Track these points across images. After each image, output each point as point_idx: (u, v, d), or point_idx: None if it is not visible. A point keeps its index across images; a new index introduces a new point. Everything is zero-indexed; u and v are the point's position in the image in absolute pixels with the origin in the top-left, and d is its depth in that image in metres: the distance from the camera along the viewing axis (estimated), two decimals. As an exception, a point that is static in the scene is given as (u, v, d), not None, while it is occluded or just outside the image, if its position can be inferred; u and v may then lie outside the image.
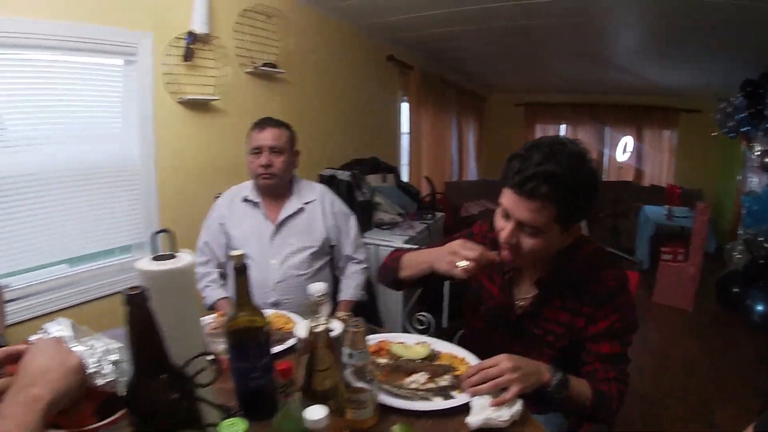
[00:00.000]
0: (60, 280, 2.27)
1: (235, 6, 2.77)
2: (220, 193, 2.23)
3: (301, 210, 2.09)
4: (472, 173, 7.28)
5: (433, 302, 2.72)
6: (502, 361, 1.09)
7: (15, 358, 0.80)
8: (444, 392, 1.10)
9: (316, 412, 0.75)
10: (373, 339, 1.33)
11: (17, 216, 2.08)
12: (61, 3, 2.07)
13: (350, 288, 2.12)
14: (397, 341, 1.34)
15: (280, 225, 2.07)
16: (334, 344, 0.93)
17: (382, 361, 1.21)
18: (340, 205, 2.21)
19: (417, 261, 1.39)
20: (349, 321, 0.95)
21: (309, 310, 0.89)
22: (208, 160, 2.73)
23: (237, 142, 2.76)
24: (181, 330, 0.83)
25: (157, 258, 0.85)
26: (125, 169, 2.43)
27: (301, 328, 1.03)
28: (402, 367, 1.19)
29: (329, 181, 2.84)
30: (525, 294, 1.34)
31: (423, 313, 2.41)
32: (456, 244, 1.20)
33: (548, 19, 3.43)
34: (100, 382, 0.83)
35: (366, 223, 2.99)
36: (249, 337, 0.96)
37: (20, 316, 2.06)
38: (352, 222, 2.21)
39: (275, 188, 2.08)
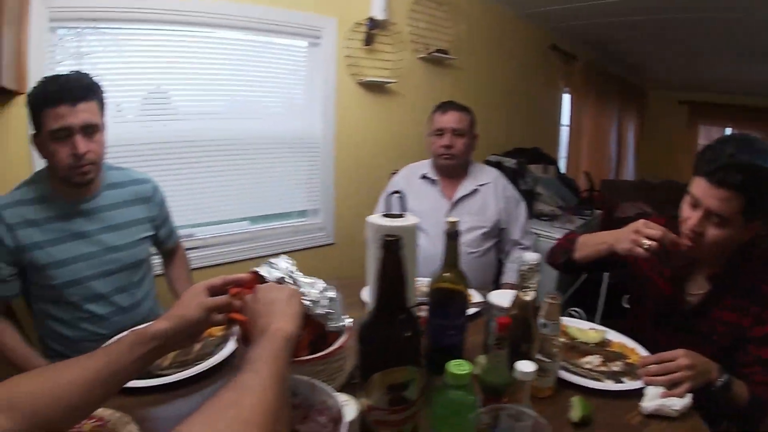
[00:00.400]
0: (241, 235, 2.59)
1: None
2: (396, 170, 2.37)
3: (475, 191, 2.17)
4: (629, 172, 6.84)
5: (588, 298, 2.66)
6: (681, 357, 1.09)
7: (238, 283, 0.94)
8: (615, 377, 1.13)
9: (527, 366, 0.82)
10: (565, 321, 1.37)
11: (208, 175, 2.41)
12: None
13: (514, 271, 2.16)
14: (571, 325, 1.37)
15: (456, 203, 2.16)
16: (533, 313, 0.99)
17: (560, 339, 1.25)
18: (512, 190, 2.25)
19: (595, 242, 1.41)
20: (547, 293, 1.01)
21: (519, 278, 0.96)
22: (382, 138, 2.91)
23: (409, 123, 2.91)
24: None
25: (387, 216, 0.98)
26: (307, 141, 2.69)
27: (497, 295, 1.11)
28: (577, 348, 1.23)
29: (495, 167, 2.89)
30: (696, 290, 1.31)
31: (576, 309, 2.38)
32: (639, 223, 1.22)
33: (718, 13, 3.15)
34: (320, 312, 0.97)
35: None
36: (450, 298, 1.04)
37: (202, 263, 2.36)
38: (522, 208, 2.24)
39: (454, 169, 2.18)
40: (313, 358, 0.96)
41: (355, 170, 2.84)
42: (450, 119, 2.10)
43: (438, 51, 3.00)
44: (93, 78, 1.43)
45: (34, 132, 1.39)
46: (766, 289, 1.19)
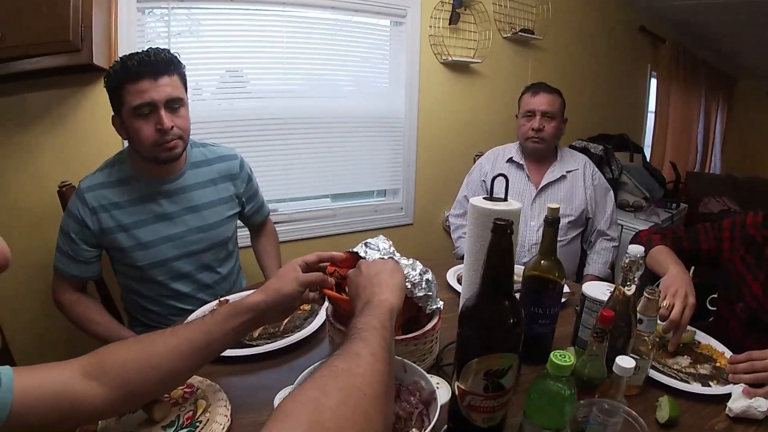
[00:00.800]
0: (323, 211, 2.66)
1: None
2: (481, 152, 2.36)
3: (563, 177, 2.13)
4: (715, 165, 6.44)
5: None
6: None
7: (333, 261, 0.99)
8: (703, 379, 1.09)
9: (626, 362, 0.80)
10: None
11: (293, 153, 2.48)
12: None
13: (598, 263, 2.11)
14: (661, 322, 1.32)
15: (543, 189, 2.13)
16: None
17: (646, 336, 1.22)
18: (600, 178, 2.20)
19: (659, 265, 1.35)
20: (647, 288, 0.98)
21: (622, 271, 0.94)
22: (465, 119, 2.89)
23: (493, 104, 2.87)
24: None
25: (489, 199, 0.97)
26: (390, 121, 2.70)
27: (590, 287, 1.09)
28: (666, 347, 1.19)
29: (581, 152, 2.79)
30: None
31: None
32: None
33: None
34: (419, 294, 1.00)
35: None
36: (545, 286, 1.04)
37: (284, 237, 2.39)
38: (610, 197, 2.19)
39: (542, 153, 2.14)
40: (406, 338, 0.99)
41: (437, 151, 2.83)
42: (541, 101, 2.07)
43: (523, 30, 2.92)
44: (172, 53, 1.41)
45: (114, 112, 1.40)
46: None
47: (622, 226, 2.35)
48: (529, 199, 2.13)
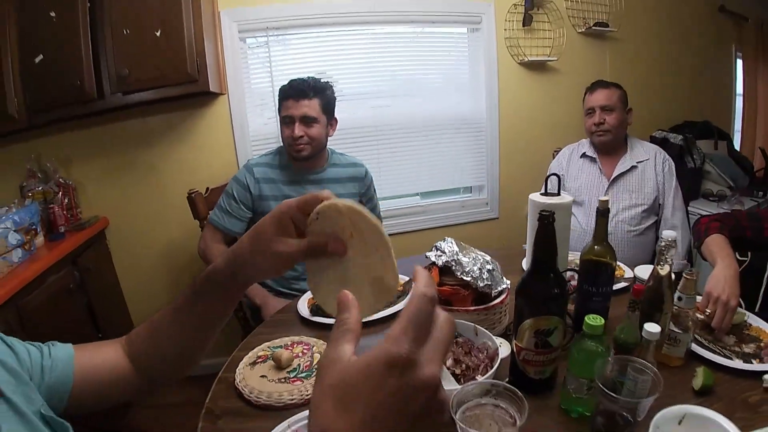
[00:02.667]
0: (413, 208, 2.94)
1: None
2: (559, 149, 2.49)
3: (634, 168, 2.22)
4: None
5: (749, 287, 2.50)
6: None
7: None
8: (746, 357, 1.16)
9: (653, 327, 0.96)
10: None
11: (386, 155, 2.79)
12: None
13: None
14: None
15: (615, 180, 2.23)
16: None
17: (699, 315, 1.31)
18: (670, 166, 2.24)
19: (710, 253, 1.42)
20: (686, 271, 1.11)
21: (658, 252, 1.09)
22: (544, 116, 3.01)
23: (572, 99, 2.90)
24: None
25: (546, 194, 1.16)
26: (473, 122, 2.92)
27: (641, 269, 1.24)
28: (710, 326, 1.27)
29: (661, 144, 2.79)
30: None
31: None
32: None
33: None
34: (480, 284, 1.22)
35: (693, 192, 2.90)
36: (598, 268, 1.20)
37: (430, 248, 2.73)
38: (676, 184, 2.22)
39: (609, 144, 2.24)
40: (477, 309, 1.21)
41: (519, 148, 2.99)
42: (598, 97, 2.20)
43: (597, 24, 2.97)
44: (321, 82, 1.95)
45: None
46: None
47: (688, 211, 2.37)
48: (602, 191, 2.24)
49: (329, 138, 2.04)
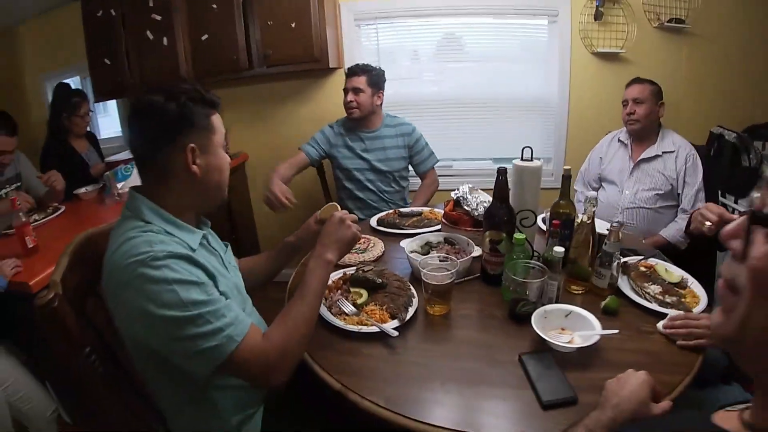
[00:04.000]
0: (486, 170, 3.43)
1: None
2: (609, 132, 2.85)
3: (657, 156, 2.52)
4: None
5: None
6: (704, 319, 1.30)
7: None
8: (664, 304, 1.45)
9: (557, 249, 1.42)
10: (653, 261, 1.74)
11: (468, 123, 3.39)
12: None
13: (670, 229, 2.49)
14: (665, 265, 1.69)
15: (638, 164, 2.56)
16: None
17: (643, 269, 1.67)
18: (694, 162, 2.48)
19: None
20: (612, 221, 1.53)
21: (584, 206, 1.57)
22: (612, 102, 3.13)
23: None
24: (521, 198, 1.73)
25: (523, 160, 1.73)
26: (545, 104, 3.37)
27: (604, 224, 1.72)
28: (652, 278, 1.60)
29: (716, 139, 2.82)
30: None
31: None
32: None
33: None
34: (475, 214, 1.84)
35: (744, 191, 2.77)
36: (561, 216, 1.67)
37: (454, 187, 3.00)
38: (697, 180, 2.47)
39: (639, 132, 2.56)
40: (470, 230, 1.85)
41: (584, 129, 3.30)
42: (631, 91, 2.53)
43: (672, 20, 3.12)
44: (369, 65, 2.66)
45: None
46: None
47: (729, 208, 2.53)
48: (627, 172, 2.59)
49: (381, 105, 2.75)
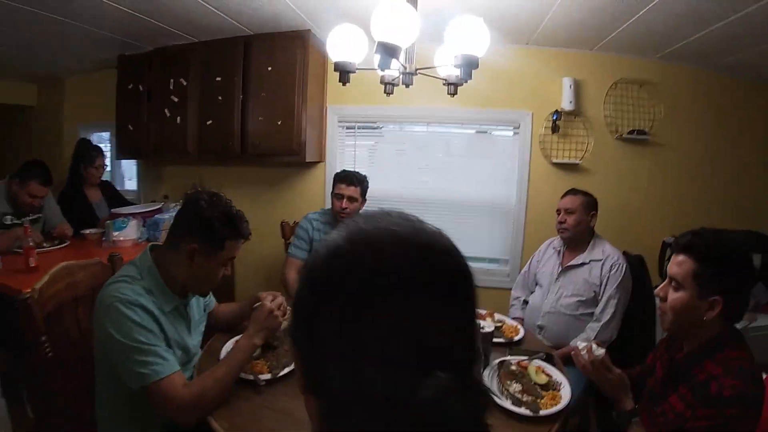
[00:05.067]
0: None
1: (606, 80, 3.40)
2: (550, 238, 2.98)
3: (583, 264, 2.60)
4: None
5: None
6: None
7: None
8: (516, 402, 1.58)
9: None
10: (537, 362, 1.85)
11: (428, 219, 3.68)
12: (476, 96, 3.43)
13: (580, 339, 2.41)
14: (540, 368, 1.81)
15: (564, 270, 2.67)
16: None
17: (514, 368, 1.79)
18: (619, 271, 2.52)
19: None
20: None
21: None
22: None
23: (602, 198, 2.90)
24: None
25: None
26: (504, 206, 3.68)
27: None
28: (517, 376, 1.74)
29: (667, 248, 3.10)
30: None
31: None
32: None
33: None
34: None
35: None
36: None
37: None
38: (616, 288, 2.50)
39: (569, 240, 2.69)
40: None
41: (541, 233, 3.38)
42: (564, 202, 2.68)
43: (633, 132, 3.38)
44: (361, 175, 2.98)
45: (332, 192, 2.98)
46: (713, 388, 1.29)
47: (615, 311, 2.51)
48: (554, 277, 2.69)
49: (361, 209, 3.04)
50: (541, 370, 1.79)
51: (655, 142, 3.44)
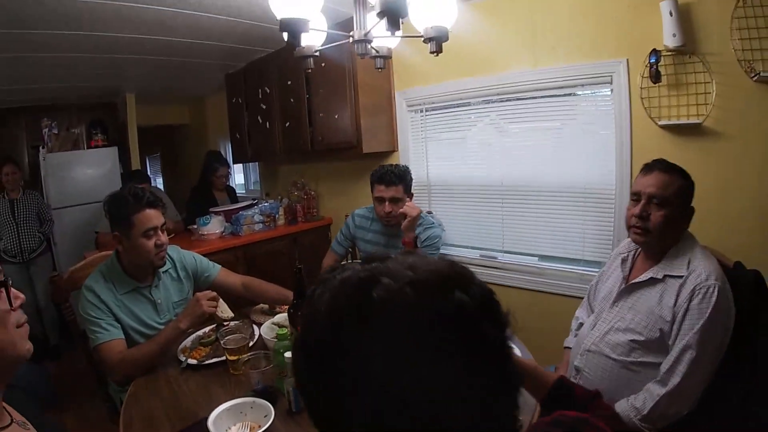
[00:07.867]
0: (531, 267, 3.15)
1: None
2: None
3: (654, 281, 1.67)
4: None
5: None
6: None
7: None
8: None
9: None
10: None
11: (509, 213, 3.19)
12: (551, 51, 2.90)
13: (628, 401, 1.60)
14: None
15: (627, 290, 1.78)
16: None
17: None
18: (704, 298, 1.52)
19: None
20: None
21: None
22: (700, 191, 2.04)
23: (740, 170, 2.35)
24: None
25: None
26: (601, 191, 2.80)
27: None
28: None
29: None
30: None
31: None
32: None
33: None
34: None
35: None
36: None
37: (499, 281, 3.17)
38: (697, 328, 1.51)
39: (648, 247, 1.77)
40: None
41: None
42: (650, 182, 1.69)
43: None
44: (402, 170, 2.73)
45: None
46: None
47: (694, 370, 1.51)
48: (611, 299, 1.83)
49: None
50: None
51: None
